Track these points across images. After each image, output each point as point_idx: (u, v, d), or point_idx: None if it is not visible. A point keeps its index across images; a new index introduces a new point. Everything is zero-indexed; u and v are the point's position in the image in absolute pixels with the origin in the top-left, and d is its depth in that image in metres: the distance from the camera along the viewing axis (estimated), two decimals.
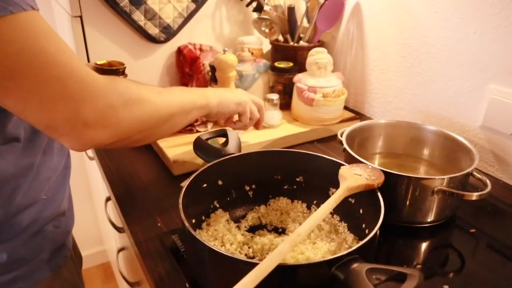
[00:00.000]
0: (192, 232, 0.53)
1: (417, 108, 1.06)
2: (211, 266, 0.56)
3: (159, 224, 0.77)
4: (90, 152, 1.17)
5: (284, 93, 1.17)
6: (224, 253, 0.51)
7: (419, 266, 0.70)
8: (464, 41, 0.91)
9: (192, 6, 1.14)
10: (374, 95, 1.18)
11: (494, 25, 0.84)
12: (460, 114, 0.96)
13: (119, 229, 0.99)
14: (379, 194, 0.62)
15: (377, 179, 0.65)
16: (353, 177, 0.64)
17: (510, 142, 0.87)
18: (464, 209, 0.81)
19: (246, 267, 0.48)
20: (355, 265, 0.49)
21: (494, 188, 0.87)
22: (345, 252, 0.50)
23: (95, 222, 2.02)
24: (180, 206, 0.59)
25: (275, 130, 1.07)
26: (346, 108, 1.20)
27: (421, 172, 0.88)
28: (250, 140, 1.01)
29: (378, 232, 0.56)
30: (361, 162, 0.72)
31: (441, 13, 0.94)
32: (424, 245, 0.76)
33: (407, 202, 0.74)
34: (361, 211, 0.68)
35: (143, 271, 0.70)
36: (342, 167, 0.68)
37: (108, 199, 1.08)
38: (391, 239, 0.74)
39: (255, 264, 0.47)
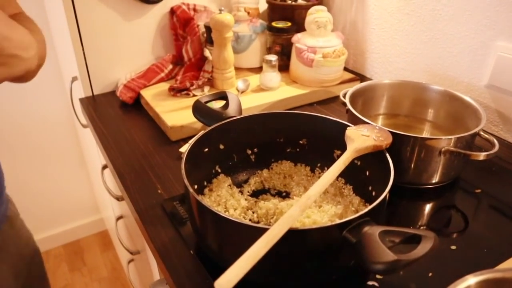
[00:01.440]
0: (198, 198, 0.51)
1: (420, 68, 1.03)
2: (217, 232, 0.54)
3: (159, 191, 0.75)
4: (83, 119, 1.13)
5: (282, 54, 1.13)
6: (232, 219, 0.49)
7: (423, 227, 0.70)
8: None
9: None
10: (375, 55, 1.15)
11: None
12: (465, 73, 0.93)
13: (117, 198, 0.97)
14: (387, 155, 0.60)
15: (385, 140, 0.63)
16: (360, 138, 0.62)
17: None
18: (468, 170, 0.80)
19: (254, 232, 0.46)
20: (366, 228, 0.47)
21: (499, 148, 0.86)
22: (356, 215, 0.49)
23: (91, 191, 2.00)
24: (183, 171, 0.57)
25: (274, 93, 1.03)
26: (345, 69, 1.17)
27: (426, 133, 0.87)
28: (248, 103, 0.98)
29: (388, 194, 0.54)
30: (367, 123, 0.70)
31: None
32: (428, 206, 0.75)
33: (413, 163, 0.72)
34: (367, 173, 0.66)
35: (145, 239, 0.69)
36: (348, 128, 0.66)
37: (104, 167, 1.05)
38: (395, 200, 0.72)
39: (263, 230, 0.45)
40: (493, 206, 0.72)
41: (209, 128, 0.67)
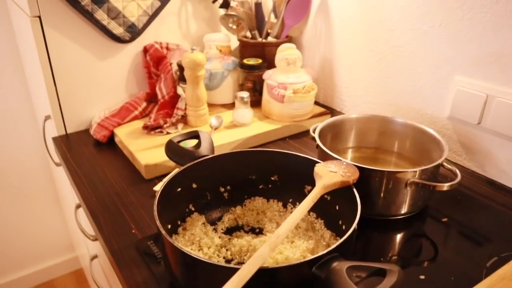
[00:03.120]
0: (169, 239, 0.52)
1: (386, 101, 1.07)
2: (190, 273, 0.55)
3: (133, 231, 0.75)
4: (56, 158, 1.13)
5: (254, 91, 1.16)
6: (203, 259, 0.50)
7: (394, 257, 0.71)
8: (429, 34, 0.92)
9: (157, 3, 1.11)
10: (343, 90, 1.19)
11: (458, 17, 0.86)
12: (428, 106, 0.97)
13: (91, 238, 0.96)
14: (355, 190, 0.62)
15: (352, 175, 0.65)
16: (328, 175, 0.64)
17: (476, 131, 0.89)
18: (436, 198, 0.83)
19: (225, 272, 0.47)
20: (335, 264, 0.49)
21: (462, 177, 0.89)
22: (325, 251, 0.50)
23: (65, 229, 1.96)
24: (155, 213, 0.57)
25: (247, 129, 1.06)
26: (316, 103, 1.21)
27: (393, 164, 0.90)
28: (221, 140, 0.99)
29: (356, 228, 0.56)
30: (335, 159, 0.73)
31: (407, 6, 0.95)
32: (399, 237, 0.77)
33: (381, 196, 0.74)
34: (337, 207, 0.68)
35: (119, 281, 0.68)
36: (317, 164, 0.68)
37: (78, 206, 1.04)
38: (366, 232, 0.75)
39: (234, 269, 0.46)
40: (460, 232, 0.75)
41: (181, 168, 0.68)
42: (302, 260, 0.49)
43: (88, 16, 1.03)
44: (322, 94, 1.27)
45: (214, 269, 0.50)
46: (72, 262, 2.04)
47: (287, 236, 0.67)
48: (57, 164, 1.18)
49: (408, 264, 0.69)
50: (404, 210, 0.76)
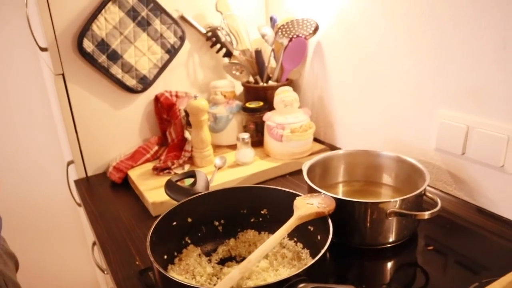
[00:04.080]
0: (157, 265, 0.59)
1: (380, 136, 1.13)
2: None
3: (137, 263, 0.83)
4: (78, 199, 1.23)
5: (257, 131, 1.24)
6: (179, 280, 0.56)
7: (384, 286, 0.75)
8: (412, 72, 0.99)
9: (166, 56, 1.23)
10: (340, 127, 1.25)
11: (436, 55, 0.93)
12: (417, 139, 1.02)
13: (103, 270, 1.04)
14: (329, 220, 0.68)
15: (328, 206, 0.71)
16: (305, 207, 0.70)
17: (462, 161, 0.93)
18: (427, 227, 0.86)
19: None
20: (301, 286, 0.54)
21: (453, 205, 0.94)
22: (292, 274, 0.56)
23: (91, 266, 2.05)
24: (148, 243, 0.65)
25: (249, 167, 1.13)
26: (317, 140, 1.27)
27: (383, 195, 0.94)
28: (224, 178, 1.07)
29: (326, 253, 0.62)
30: (316, 192, 0.79)
31: (390, 48, 1.02)
32: (389, 265, 0.80)
33: (367, 226, 0.79)
34: (319, 237, 0.74)
35: None
36: (297, 197, 0.74)
37: (94, 243, 1.13)
38: (357, 262, 0.79)
39: None
40: (451, 259, 0.77)
41: (176, 204, 0.76)
42: (270, 282, 0.55)
43: (105, 71, 1.16)
44: (322, 132, 1.34)
45: None
46: None
47: (272, 265, 0.73)
48: (79, 205, 1.28)
49: None
50: (391, 238, 0.80)
